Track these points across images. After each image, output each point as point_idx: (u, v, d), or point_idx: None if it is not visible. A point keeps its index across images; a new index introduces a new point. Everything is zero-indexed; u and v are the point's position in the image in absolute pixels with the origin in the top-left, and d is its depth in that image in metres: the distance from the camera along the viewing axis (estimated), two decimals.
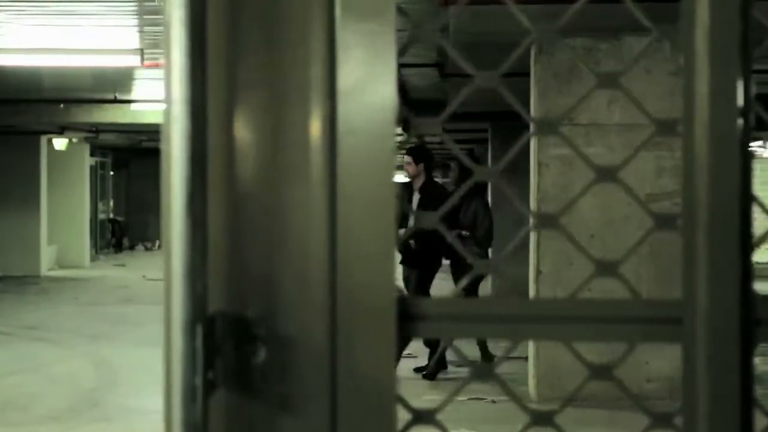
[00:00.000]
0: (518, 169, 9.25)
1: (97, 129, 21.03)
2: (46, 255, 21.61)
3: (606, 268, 1.24)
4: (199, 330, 1.10)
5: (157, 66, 11.52)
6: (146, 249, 29.05)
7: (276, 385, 1.20)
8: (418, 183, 9.79)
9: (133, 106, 15.87)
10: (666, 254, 8.16)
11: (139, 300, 16.81)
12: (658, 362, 8.25)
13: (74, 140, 22.28)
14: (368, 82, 1.19)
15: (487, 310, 1.20)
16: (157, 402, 8.77)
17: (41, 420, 8.10)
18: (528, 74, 8.68)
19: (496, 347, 10.32)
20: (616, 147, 8.40)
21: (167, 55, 1.12)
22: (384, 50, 1.19)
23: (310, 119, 1.19)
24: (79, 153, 23.02)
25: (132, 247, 28.69)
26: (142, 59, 10.53)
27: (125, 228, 28.82)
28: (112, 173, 28.25)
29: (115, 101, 15.58)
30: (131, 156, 29.70)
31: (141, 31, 10.43)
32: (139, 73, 13.30)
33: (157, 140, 25.92)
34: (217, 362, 1.16)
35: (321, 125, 1.19)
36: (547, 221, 1.25)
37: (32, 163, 20.96)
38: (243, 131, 1.20)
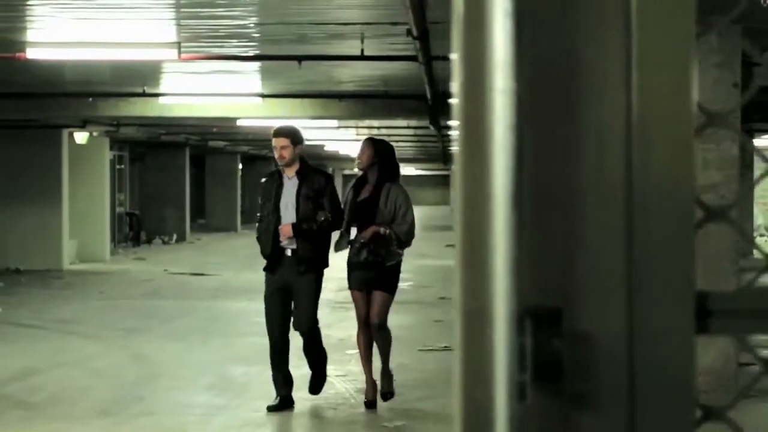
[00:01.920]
0: None
1: (118, 122, 21.01)
2: (68, 249, 21.62)
3: None
4: (529, 325, 1.08)
5: (194, 59, 11.49)
6: (164, 243, 29.04)
7: (574, 382, 1.17)
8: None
9: (161, 99, 15.85)
10: (708, 248, 8.15)
11: (166, 294, 16.83)
12: (701, 357, 8.28)
13: (95, 134, 22.27)
14: (665, 76, 1.17)
15: None
16: (201, 396, 8.78)
17: (92, 414, 8.09)
18: None
19: None
20: None
21: (475, 42, 1.10)
22: (682, 43, 1.17)
23: (604, 114, 1.17)
24: (99, 146, 23.01)
25: (149, 241, 28.68)
26: (179, 52, 10.51)
27: (142, 222, 28.81)
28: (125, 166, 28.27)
29: (144, 95, 15.56)
30: (147, 149, 29.69)
31: (178, 25, 10.41)
32: (169, 67, 13.27)
33: (178, 134, 25.92)
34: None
35: (616, 119, 1.17)
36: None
37: (53, 156, 20.94)
38: (538, 124, 1.18)
